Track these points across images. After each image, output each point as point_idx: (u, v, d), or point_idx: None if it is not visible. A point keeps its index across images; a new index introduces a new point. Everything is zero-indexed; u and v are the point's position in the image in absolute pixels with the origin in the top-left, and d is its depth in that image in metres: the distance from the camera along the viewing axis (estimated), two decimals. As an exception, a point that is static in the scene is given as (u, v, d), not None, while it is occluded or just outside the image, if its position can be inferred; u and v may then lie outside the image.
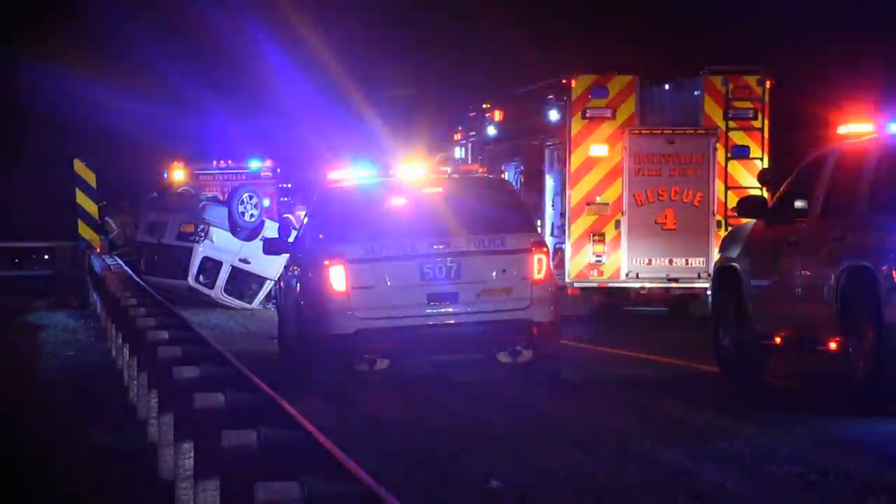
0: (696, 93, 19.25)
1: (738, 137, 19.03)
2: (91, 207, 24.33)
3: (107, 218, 25.63)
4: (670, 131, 19.04)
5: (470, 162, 22.33)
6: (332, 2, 35.97)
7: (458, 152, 23.65)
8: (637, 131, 18.94)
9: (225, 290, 23.82)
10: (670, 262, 18.96)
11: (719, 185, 18.94)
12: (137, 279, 18.17)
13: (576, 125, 18.96)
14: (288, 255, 14.61)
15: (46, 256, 26.24)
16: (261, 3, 36.13)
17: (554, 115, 19.58)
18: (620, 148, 18.92)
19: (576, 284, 19.03)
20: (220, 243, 23.87)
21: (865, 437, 9.78)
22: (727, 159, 18.98)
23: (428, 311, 12.39)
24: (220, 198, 26.29)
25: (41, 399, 12.41)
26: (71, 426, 10.70)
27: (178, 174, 31.03)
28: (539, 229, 18.98)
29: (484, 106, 22.70)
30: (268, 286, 23.41)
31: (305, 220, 14.48)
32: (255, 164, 31.86)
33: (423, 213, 12.78)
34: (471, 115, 23.30)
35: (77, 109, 37.08)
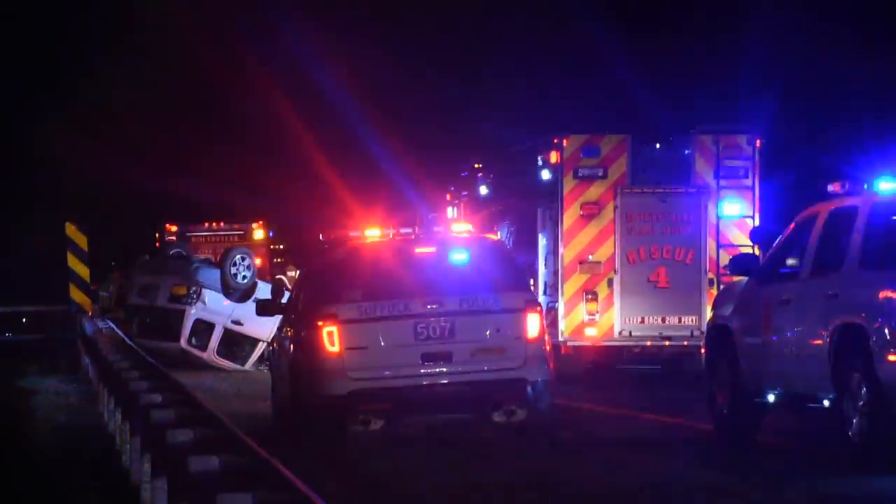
0: (686, 152, 19.34)
1: (730, 196, 19.11)
2: (83, 271, 24.31)
3: (102, 292, 25.66)
4: (662, 190, 19.11)
5: (462, 221, 22.37)
6: (322, 62, 36.19)
7: (450, 212, 23.71)
8: (629, 190, 19.02)
9: (218, 352, 23.76)
10: (663, 320, 18.97)
11: (711, 244, 18.99)
12: (129, 342, 18.13)
13: (568, 184, 19.03)
14: (281, 316, 14.60)
15: (31, 320, 26.17)
16: (251, 62, 36.35)
17: (546, 175, 19.66)
18: (612, 207, 18.99)
19: (569, 343, 19.02)
20: (213, 305, 23.84)
21: (861, 494, 9.75)
22: (718, 218, 19.05)
23: (422, 370, 12.37)
24: (213, 259, 26.31)
25: (33, 464, 12.34)
26: (64, 491, 10.64)
27: (170, 236, 31.08)
28: (532, 288, 18.99)
29: (475, 165, 22.79)
30: (261, 348, 23.35)
31: (298, 280, 14.49)
32: (247, 226, 31.91)
33: (416, 272, 12.80)
34: (462, 174, 23.39)
35: (70, 173, 37.19)
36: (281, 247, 34.53)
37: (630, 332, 18.99)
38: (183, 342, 23.61)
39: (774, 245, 12.57)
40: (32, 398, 18.71)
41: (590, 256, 18.99)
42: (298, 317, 13.43)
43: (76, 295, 24.24)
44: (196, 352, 23.67)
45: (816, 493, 9.71)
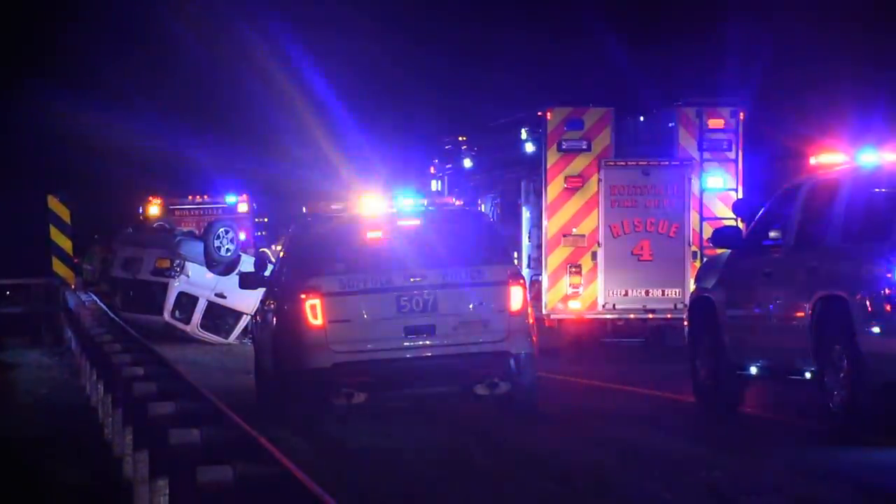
0: (670, 124, 19.34)
1: (713, 168, 19.12)
2: (65, 244, 24.23)
3: (86, 265, 25.55)
4: (645, 163, 19.12)
5: (446, 194, 22.36)
6: (307, 40, 36.07)
7: (434, 184, 23.69)
8: (612, 163, 19.02)
9: (201, 326, 23.73)
10: (646, 292, 19.00)
11: (694, 216, 19.02)
12: (112, 315, 18.10)
13: (551, 157, 19.03)
14: (264, 289, 14.58)
15: (13, 293, 26.05)
16: (235, 36, 36.20)
17: (530, 148, 19.65)
18: (596, 180, 18.99)
19: (553, 316, 19.05)
20: (196, 278, 23.79)
21: (842, 466, 9.79)
22: (702, 190, 19.07)
23: (405, 343, 12.37)
24: (196, 232, 26.25)
25: (15, 437, 12.32)
26: (46, 464, 10.63)
27: (153, 209, 30.99)
28: (516, 261, 19.00)
29: (460, 138, 22.77)
30: (244, 321, 23.33)
31: (281, 253, 14.47)
32: (231, 199, 31.85)
33: (399, 245, 12.79)
34: (447, 147, 23.36)
35: (52, 143, 37.04)
36: (265, 220, 34.46)
37: (614, 305, 19.02)
38: (166, 315, 23.57)
39: (757, 218, 12.59)
40: (15, 371, 18.68)
41: (573, 229, 19.00)
42: (281, 290, 13.41)
43: (59, 268, 24.16)
44: (179, 325, 23.64)
45: (798, 464, 9.75)
